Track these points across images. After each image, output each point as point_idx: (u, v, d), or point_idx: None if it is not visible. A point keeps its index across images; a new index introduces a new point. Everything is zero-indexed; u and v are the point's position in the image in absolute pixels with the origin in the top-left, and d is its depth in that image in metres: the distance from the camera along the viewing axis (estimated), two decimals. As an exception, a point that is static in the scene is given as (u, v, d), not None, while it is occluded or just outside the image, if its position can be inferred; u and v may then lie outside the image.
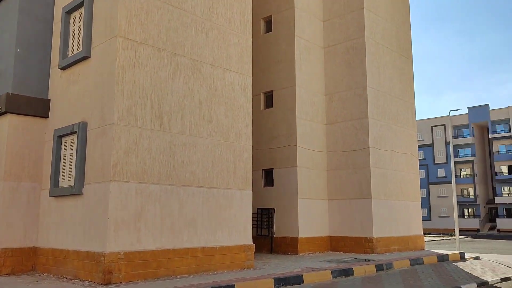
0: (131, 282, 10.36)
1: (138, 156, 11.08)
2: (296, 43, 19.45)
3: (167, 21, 12.20)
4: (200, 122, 12.69)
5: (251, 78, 14.53)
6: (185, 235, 11.85)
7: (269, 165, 19.39)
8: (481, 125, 63.03)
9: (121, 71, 11.00)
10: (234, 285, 10.17)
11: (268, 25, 20.82)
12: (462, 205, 61.75)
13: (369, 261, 15.39)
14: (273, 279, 11.08)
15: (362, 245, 18.59)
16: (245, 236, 13.44)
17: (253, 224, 16.86)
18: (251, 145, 14.16)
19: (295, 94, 19.00)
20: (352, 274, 13.14)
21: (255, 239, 16.55)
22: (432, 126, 63.98)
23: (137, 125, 11.15)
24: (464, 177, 61.87)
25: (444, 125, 62.23)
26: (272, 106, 19.79)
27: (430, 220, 61.44)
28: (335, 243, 19.45)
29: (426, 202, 61.99)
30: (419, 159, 59.97)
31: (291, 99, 19.10)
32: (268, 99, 20.19)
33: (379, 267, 14.31)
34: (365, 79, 19.55)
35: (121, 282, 10.24)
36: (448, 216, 59.57)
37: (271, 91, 19.93)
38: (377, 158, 19.39)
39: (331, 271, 12.69)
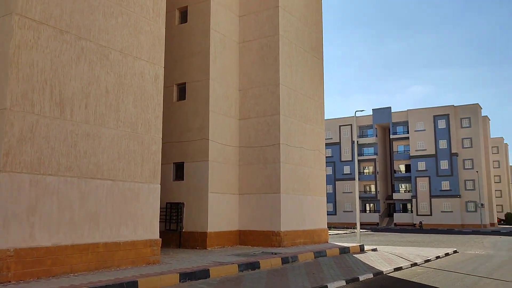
0: (21, 281, 9.54)
1: (34, 145, 10.23)
2: (211, 36, 19.27)
3: (71, 2, 11.38)
4: (106, 112, 12.05)
5: (163, 69, 14.11)
6: (85, 230, 11.20)
7: (180, 159, 19.04)
8: (384, 126, 67.60)
9: (17, 51, 10.06)
10: (137, 282, 9.80)
11: (183, 15, 20.40)
12: (364, 200, 65.83)
13: (275, 254, 15.75)
14: (178, 274, 10.87)
15: (270, 238, 18.99)
16: (151, 230, 13.04)
17: (161, 219, 16.50)
18: (161, 137, 13.77)
19: (209, 88, 18.84)
20: (259, 267, 13.33)
21: (163, 234, 16.20)
22: (340, 126, 67.35)
23: (33, 111, 10.27)
24: (367, 174, 65.97)
25: (351, 125, 65.84)
26: (185, 99, 19.44)
27: (335, 214, 64.74)
28: (244, 237, 19.65)
29: (332, 197, 65.19)
30: (326, 156, 62.69)
31: (204, 92, 18.91)
32: (181, 91, 19.80)
33: (284, 260, 14.69)
34: (278, 77, 19.94)
35: (9, 282, 9.39)
36: (352, 211, 63.22)
37: (185, 83, 19.57)
38: (287, 154, 19.90)
39: (238, 265, 12.76)
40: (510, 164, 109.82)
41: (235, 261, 13.46)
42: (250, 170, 19.93)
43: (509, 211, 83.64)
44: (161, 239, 13.43)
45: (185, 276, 10.93)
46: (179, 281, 10.74)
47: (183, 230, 18.35)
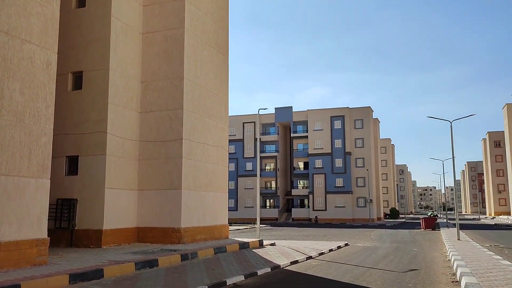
0: None
1: None
2: (112, 24, 18.29)
3: None
4: (-13, 98, 10.83)
5: (56, 55, 13.07)
6: (-41, 230, 9.98)
7: (74, 152, 17.82)
8: (285, 124, 69.97)
9: None
10: (19, 285, 8.96)
11: (81, -1, 19.10)
12: (265, 196, 67.63)
13: (175, 251, 15.46)
14: (68, 275, 10.15)
15: (170, 235, 18.60)
16: (38, 229, 12.03)
17: (50, 216, 15.32)
18: (52, 128, 12.75)
19: (108, 78, 17.87)
20: (157, 265, 12.97)
21: (52, 232, 15.10)
22: (243, 123, 68.35)
23: None
24: (269, 171, 67.84)
25: (254, 122, 67.16)
26: (81, 88, 18.22)
27: (237, 210, 65.66)
28: (143, 234, 19.02)
29: (234, 193, 66.01)
30: (230, 153, 62.98)
31: (103, 82, 17.90)
32: (77, 80, 18.51)
33: (184, 257, 14.47)
34: (182, 70, 19.56)
35: None
36: (253, 207, 64.53)
37: (81, 72, 18.33)
38: (190, 149, 19.63)
39: (135, 263, 12.29)
40: (396, 163, 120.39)
41: (131, 260, 12.95)
42: (151, 166, 19.33)
43: (393, 206, 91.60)
44: (49, 238, 12.46)
45: (76, 277, 10.24)
46: (69, 283, 10.04)
47: (76, 228, 17.23)
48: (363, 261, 15.50)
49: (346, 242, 23.42)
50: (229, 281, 10.84)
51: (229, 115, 24.44)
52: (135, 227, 19.05)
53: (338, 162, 63.75)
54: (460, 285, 10.37)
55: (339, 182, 63.50)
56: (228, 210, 23.74)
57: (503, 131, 79.46)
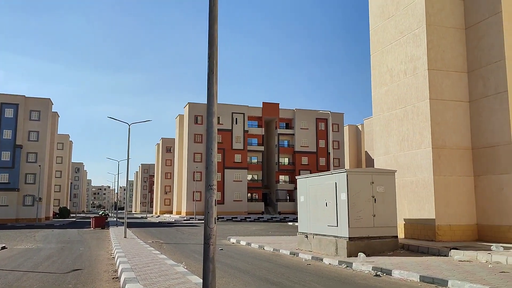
0: None
1: None
2: None
3: None
4: None
5: None
6: None
7: None
8: None
9: None
10: None
11: None
12: None
13: None
14: None
15: None
16: None
17: None
18: None
19: None
20: None
21: None
22: None
23: None
24: None
25: None
26: None
27: None
28: None
29: None
30: None
31: None
32: None
33: None
34: None
35: None
36: None
37: None
38: None
39: None
40: (73, 161, 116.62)
41: None
42: None
43: (65, 205, 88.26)
44: None
45: None
46: None
47: None
48: (21, 265, 14.07)
49: (4, 245, 20.86)
50: None
51: None
52: None
53: (5, 155, 56.63)
54: (120, 281, 10.69)
55: (4, 177, 56.38)
56: None
57: (174, 138, 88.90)
